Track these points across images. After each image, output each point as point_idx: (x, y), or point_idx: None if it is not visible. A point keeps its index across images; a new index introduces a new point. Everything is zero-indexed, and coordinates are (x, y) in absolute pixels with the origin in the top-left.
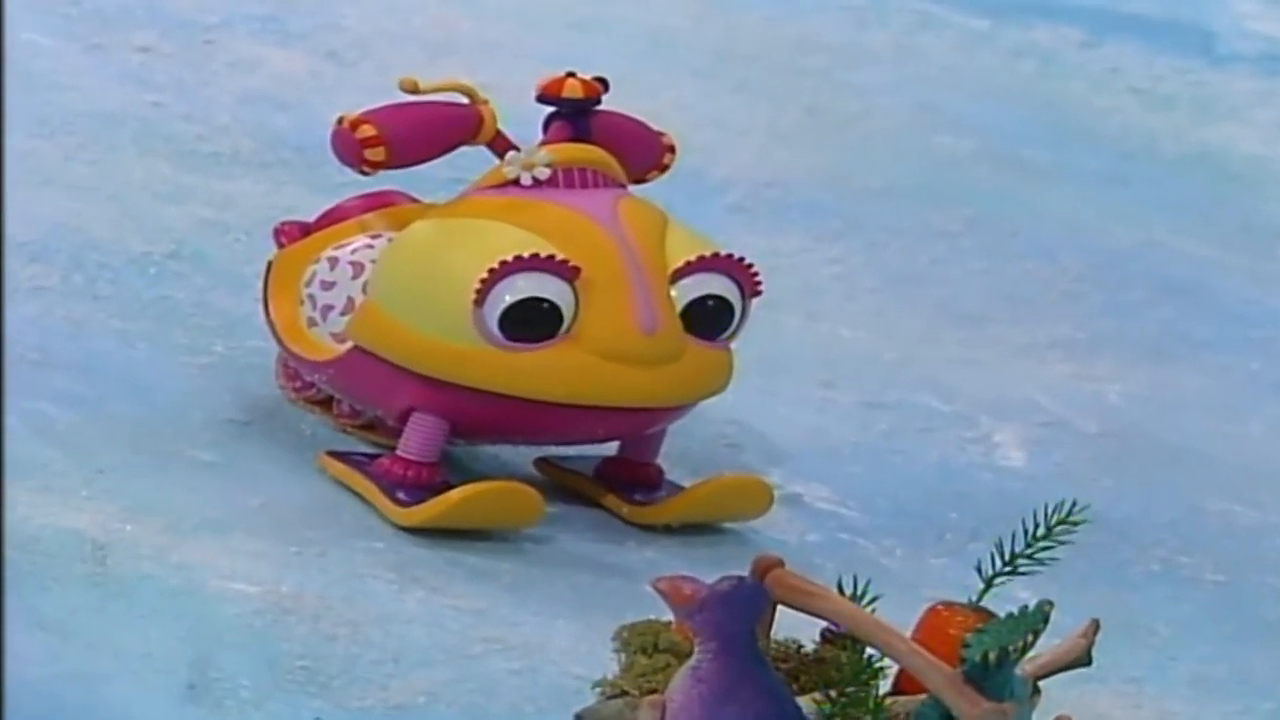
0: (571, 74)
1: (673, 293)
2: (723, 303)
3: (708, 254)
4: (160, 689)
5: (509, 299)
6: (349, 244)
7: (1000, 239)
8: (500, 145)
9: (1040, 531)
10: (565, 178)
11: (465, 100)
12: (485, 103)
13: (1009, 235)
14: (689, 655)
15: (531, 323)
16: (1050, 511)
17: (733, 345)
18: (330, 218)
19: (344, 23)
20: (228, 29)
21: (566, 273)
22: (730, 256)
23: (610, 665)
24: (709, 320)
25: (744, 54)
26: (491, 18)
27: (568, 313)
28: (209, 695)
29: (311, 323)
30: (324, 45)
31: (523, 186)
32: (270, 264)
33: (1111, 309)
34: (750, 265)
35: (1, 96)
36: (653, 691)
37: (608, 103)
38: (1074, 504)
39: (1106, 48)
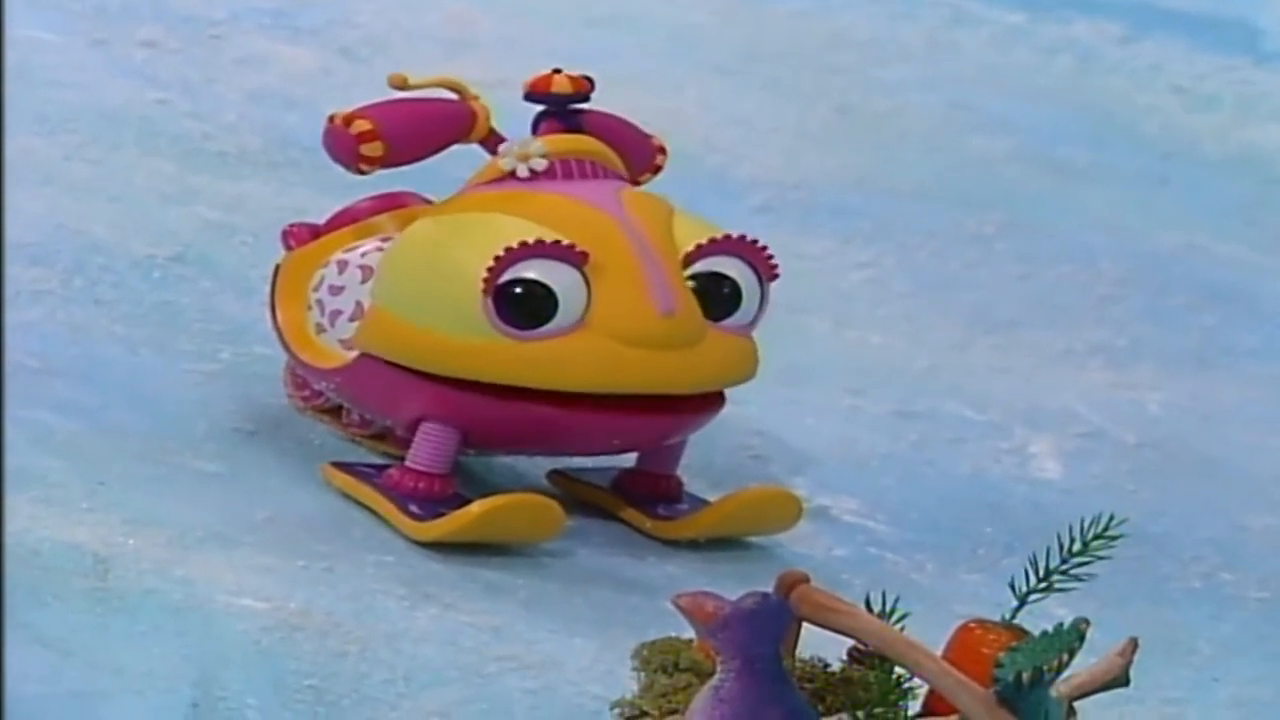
0: (558, 70)
1: (687, 279)
2: (732, 284)
3: (719, 236)
4: (163, 708)
5: (506, 280)
6: (359, 247)
7: (1036, 242)
8: (493, 143)
9: (1077, 546)
10: (563, 169)
11: (455, 97)
12: (476, 99)
13: (1045, 238)
14: (711, 674)
15: (530, 308)
16: (1087, 525)
17: (753, 334)
18: (341, 220)
19: (357, 18)
20: (235, 24)
21: (575, 258)
22: (743, 238)
23: (629, 684)
24: (717, 301)
25: (771, 51)
26: (509, 14)
27: (579, 300)
28: (213, 715)
29: (319, 329)
30: (336, 41)
31: (520, 179)
32: (278, 268)
33: (1151, 315)
34: (764, 247)
35: (1, 94)
36: (673, 712)
37: (626, 102)
38: (1112, 518)
39: (1147, 44)
